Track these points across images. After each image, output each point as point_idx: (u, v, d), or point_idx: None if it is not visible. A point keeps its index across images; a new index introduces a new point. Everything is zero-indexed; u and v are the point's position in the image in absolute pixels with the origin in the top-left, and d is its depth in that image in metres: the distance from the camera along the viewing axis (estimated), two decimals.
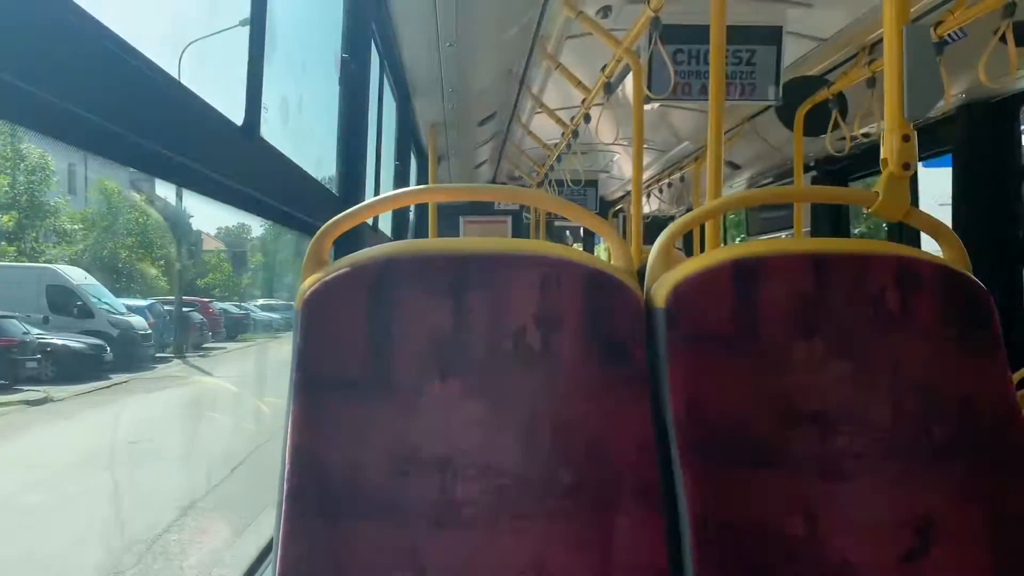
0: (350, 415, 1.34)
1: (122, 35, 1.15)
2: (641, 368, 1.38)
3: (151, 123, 1.24)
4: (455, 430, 1.34)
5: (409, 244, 1.46)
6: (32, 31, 0.92)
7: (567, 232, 10.78)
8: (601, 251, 10.69)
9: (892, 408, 1.38)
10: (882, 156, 1.51)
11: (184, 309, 18.17)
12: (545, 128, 6.32)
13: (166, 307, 17.07)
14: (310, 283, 1.39)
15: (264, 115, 1.75)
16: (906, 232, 4.28)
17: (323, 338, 1.36)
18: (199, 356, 17.12)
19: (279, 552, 1.28)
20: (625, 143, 6.74)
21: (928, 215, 1.55)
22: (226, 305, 21.26)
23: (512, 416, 1.35)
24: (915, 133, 1.49)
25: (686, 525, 1.30)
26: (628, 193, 9.04)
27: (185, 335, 17.12)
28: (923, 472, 1.36)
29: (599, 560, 1.30)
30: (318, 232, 1.46)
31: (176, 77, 1.37)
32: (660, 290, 1.42)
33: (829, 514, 1.33)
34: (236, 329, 20.59)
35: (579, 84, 4.50)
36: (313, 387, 1.35)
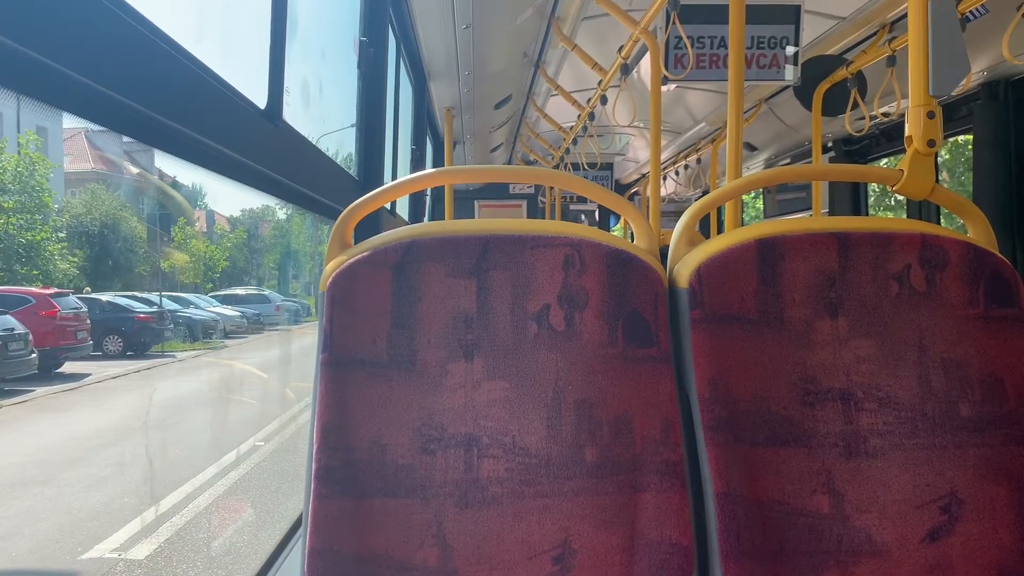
0: (376, 394, 1.35)
1: (146, 15, 1.15)
2: (665, 347, 1.39)
3: (175, 104, 1.25)
4: (480, 409, 1.35)
5: (431, 226, 1.47)
6: (55, 8, 0.93)
7: (582, 216, 10.76)
8: (616, 234, 10.61)
9: (917, 386, 1.38)
10: (906, 133, 1.50)
11: None
12: (561, 111, 6.30)
13: None
14: (334, 265, 1.40)
15: (286, 99, 1.75)
16: (923, 213, 4.26)
17: (348, 319, 1.38)
18: None
19: (309, 529, 1.30)
20: (641, 125, 6.71)
21: (954, 193, 1.54)
22: (120, 299, 14.12)
23: (536, 395, 1.36)
24: (940, 110, 1.48)
25: (711, 503, 1.31)
26: (643, 176, 9.01)
27: None
28: (949, 450, 1.36)
29: (625, 537, 1.32)
30: (341, 215, 1.47)
31: (200, 59, 1.37)
32: (683, 270, 1.43)
33: (854, 492, 1.34)
34: (142, 338, 13.75)
35: (595, 65, 4.48)
36: (339, 367, 1.36)
